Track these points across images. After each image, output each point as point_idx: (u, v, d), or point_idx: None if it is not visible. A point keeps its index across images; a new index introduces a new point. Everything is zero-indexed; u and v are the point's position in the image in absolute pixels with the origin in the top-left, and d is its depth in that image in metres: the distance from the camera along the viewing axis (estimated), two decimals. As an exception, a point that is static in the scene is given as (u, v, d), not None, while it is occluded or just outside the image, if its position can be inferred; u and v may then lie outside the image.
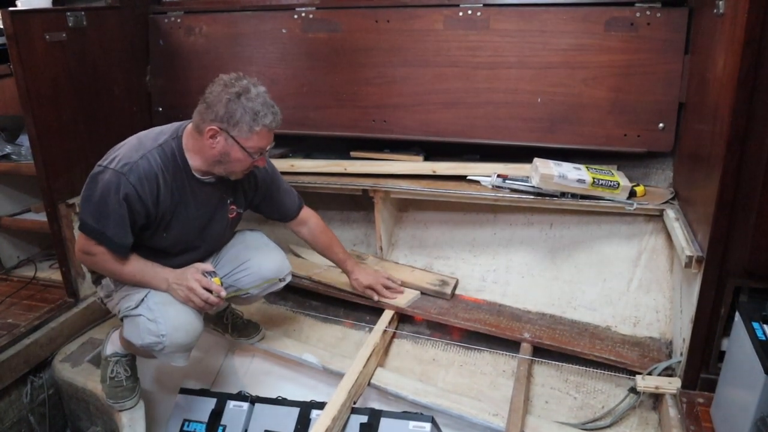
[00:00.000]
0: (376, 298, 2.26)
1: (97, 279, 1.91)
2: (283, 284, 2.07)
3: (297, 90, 2.51)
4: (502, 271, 2.39)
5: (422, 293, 2.36)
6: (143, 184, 1.66)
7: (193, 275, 1.78)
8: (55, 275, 2.50)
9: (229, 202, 1.92)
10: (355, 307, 2.40)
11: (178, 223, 1.80)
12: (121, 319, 1.86)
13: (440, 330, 2.29)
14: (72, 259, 2.37)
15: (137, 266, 1.77)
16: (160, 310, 1.75)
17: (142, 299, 1.78)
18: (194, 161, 1.75)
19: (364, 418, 1.88)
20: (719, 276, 1.65)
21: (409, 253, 2.56)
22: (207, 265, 1.86)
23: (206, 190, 1.82)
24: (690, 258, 1.67)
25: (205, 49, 2.62)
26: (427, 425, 1.83)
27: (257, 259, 2.01)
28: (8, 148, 2.54)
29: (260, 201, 2.04)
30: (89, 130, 2.40)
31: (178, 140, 1.75)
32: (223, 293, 1.81)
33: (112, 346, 1.98)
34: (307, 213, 2.16)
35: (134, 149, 1.69)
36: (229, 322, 2.27)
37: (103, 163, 1.69)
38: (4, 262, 2.68)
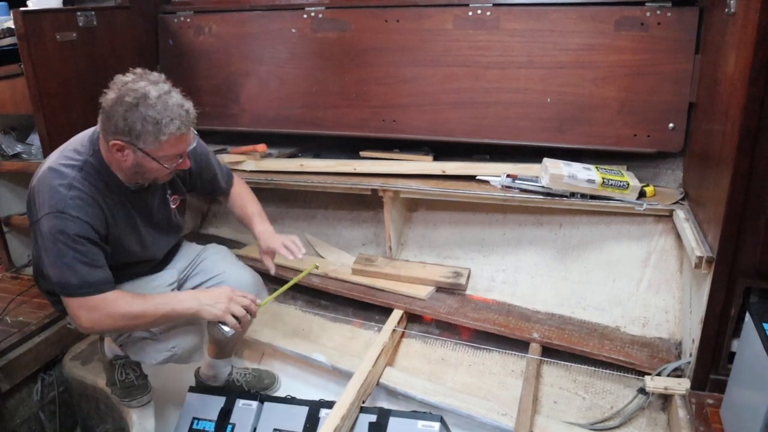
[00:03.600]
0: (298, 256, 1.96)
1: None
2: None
3: (306, 89, 2.52)
4: (512, 271, 2.38)
5: (437, 289, 2.37)
6: (86, 211, 1.53)
7: (227, 294, 1.68)
8: (66, 273, 2.51)
9: (168, 194, 1.83)
10: (364, 306, 2.41)
11: (131, 237, 1.70)
12: (120, 345, 1.82)
13: (449, 330, 2.29)
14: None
15: (156, 298, 1.64)
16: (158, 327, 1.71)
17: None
18: (118, 174, 1.61)
19: (373, 417, 1.89)
20: (729, 277, 1.64)
21: (419, 253, 2.56)
22: (240, 292, 1.74)
23: (144, 196, 1.72)
24: (700, 259, 1.67)
25: (214, 49, 2.63)
26: (436, 425, 1.83)
27: (233, 272, 1.95)
28: (19, 147, 2.56)
29: (196, 183, 1.93)
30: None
31: (96, 155, 1.59)
32: (259, 301, 1.74)
33: (112, 350, 1.95)
34: (236, 184, 2.05)
35: (54, 185, 1.52)
36: (241, 382, 2.16)
37: (34, 218, 1.55)
38: (15, 261, 2.69)
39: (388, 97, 2.41)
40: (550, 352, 2.08)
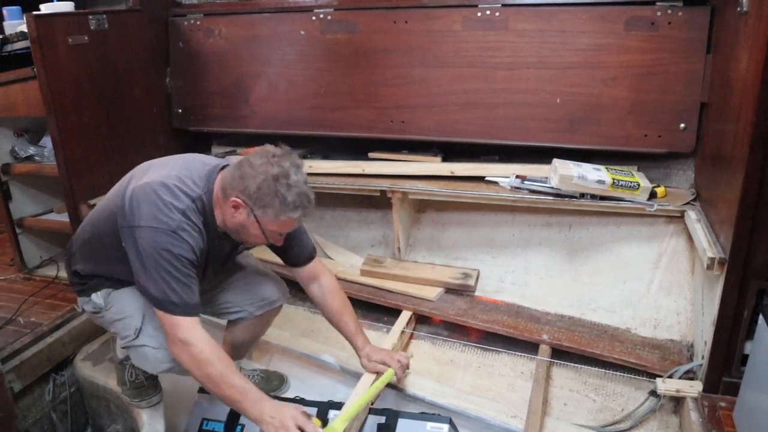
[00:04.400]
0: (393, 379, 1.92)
1: (83, 289, 1.81)
2: None
3: (315, 91, 2.52)
4: (521, 273, 2.37)
5: (446, 290, 2.37)
6: (194, 238, 1.55)
7: (292, 415, 1.56)
8: (77, 275, 2.53)
9: (240, 247, 1.89)
10: (373, 308, 2.41)
11: (202, 274, 1.71)
12: (123, 348, 1.82)
13: (458, 331, 2.28)
14: (93, 258, 2.40)
15: (241, 381, 1.58)
16: (163, 336, 1.66)
17: (140, 328, 1.73)
18: (217, 218, 1.64)
19: (382, 419, 1.88)
20: (742, 278, 1.62)
21: (427, 254, 2.56)
22: (305, 409, 1.64)
23: (223, 242, 1.74)
24: (712, 260, 1.65)
25: (224, 51, 2.64)
26: (445, 426, 1.82)
27: (260, 284, 1.99)
28: (32, 150, 2.58)
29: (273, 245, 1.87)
30: (110, 131, 2.44)
31: (208, 195, 1.61)
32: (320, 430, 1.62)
33: (123, 351, 1.93)
34: (320, 266, 1.95)
35: (168, 203, 1.52)
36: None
37: (128, 222, 1.54)
38: (27, 262, 2.72)
39: (397, 98, 2.41)
40: (559, 353, 2.07)
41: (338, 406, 1.96)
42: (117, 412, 2.17)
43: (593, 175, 2.08)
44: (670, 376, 1.86)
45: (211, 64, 2.68)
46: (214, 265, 1.78)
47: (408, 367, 1.95)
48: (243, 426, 2.00)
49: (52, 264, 2.74)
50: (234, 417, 2.02)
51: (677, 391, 1.80)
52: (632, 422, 1.87)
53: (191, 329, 1.55)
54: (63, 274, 2.64)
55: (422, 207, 2.63)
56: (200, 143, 2.91)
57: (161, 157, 2.61)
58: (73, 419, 2.29)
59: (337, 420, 1.67)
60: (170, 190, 1.54)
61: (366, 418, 1.89)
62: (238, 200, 1.53)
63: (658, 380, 1.83)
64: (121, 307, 1.76)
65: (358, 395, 1.86)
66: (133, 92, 2.54)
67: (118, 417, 2.18)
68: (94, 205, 2.35)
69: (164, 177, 1.57)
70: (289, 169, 1.52)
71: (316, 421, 1.59)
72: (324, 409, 1.99)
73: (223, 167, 1.65)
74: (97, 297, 1.78)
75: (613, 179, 2.07)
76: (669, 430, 1.84)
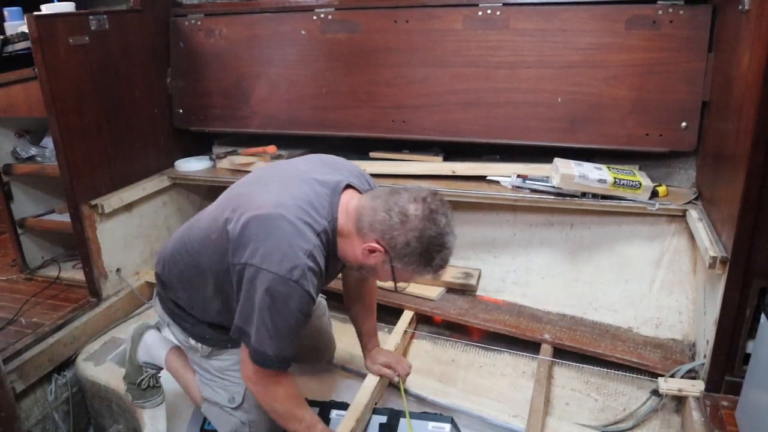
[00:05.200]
0: (395, 379, 1.94)
1: (184, 328, 1.70)
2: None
3: (316, 91, 2.52)
4: (522, 272, 2.37)
5: (448, 289, 2.36)
6: (314, 286, 1.39)
7: None
8: (79, 275, 2.53)
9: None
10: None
11: None
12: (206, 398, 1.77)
13: (460, 331, 2.28)
14: (95, 259, 2.40)
15: (309, 414, 1.58)
16: (256, 414, 1.68)
17: (241, 403, 1.68)
18: (340, 248, 1.49)
19: (384, 419, 1.88)
20: (744, 277, 1.62)
21: (428, 254, 2.56)
22: None
23: (338, 264, 1.60)
24: (714, 259, 1.65)
25: (225, 51, 2.64)
26: (447, 426, 1.82)
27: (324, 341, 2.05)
28: (33, 150, 2.58)
29: None
30: (111, 131, 2.43)
31: (333, 223, 1.45)
32: None
33: (150, 356, 1.92)
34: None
35: (292, 244, 1.35)
36: None
37: (240, 258, 1.38)
38: (29, 262, 2.72)
39: (398, 98, 2.41)
40: (561, 353, 2.07)
41: (340, 405, 1.96)
42: (119, 412, 2.17)
43: (595, 174, 2.08)
44: (672, 376, 1.86)
45: (211, 64, 2.68)
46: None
47: (409, 374, 1.96)
48: (245, 426, 2.01)
49: (54, 264, 2.75)
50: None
51: (679, 390, 1.79)
52: (634, 422, 1.87)
53: (276, 379, 1.49)
54: (64, 274, 2.66)
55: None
56: (201, 143, 2.91)
57: (161, 159, 2.62)
58: (75, 419, 2.29)
59: None
60: (294, 226, 1.37)
61: (369, 418, 1.90)
62: (379, 247, 1.40)
63: (660, 380, 1.83)
64: (228, 366, 1.70)
65: (363, 398, 1.86)
66: (134, 93, 2.53)
67: (120, 417, 2.18)
68: (95, 205, 2.36)
69: (283, 206, 1.39)
70: (445, 228, 1.38)
71: None
72: (326, 409, 2.00)
73: (345, 187, 1.50)
74: (198, 344, 1.69)
75: (615, 178, 2.07)
76: (671, 429, 1.84)
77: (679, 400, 1.88)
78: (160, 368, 1.94)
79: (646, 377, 1.95)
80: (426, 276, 1.45)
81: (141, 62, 2.56)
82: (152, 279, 2.60)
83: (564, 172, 2.07)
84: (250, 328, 1.41)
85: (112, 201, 2.42)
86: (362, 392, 1.87)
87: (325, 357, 2.13)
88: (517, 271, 2.39)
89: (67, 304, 2.42)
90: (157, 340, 1.96)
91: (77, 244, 2.38)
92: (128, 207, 2.55)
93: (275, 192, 1.45)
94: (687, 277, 2.11)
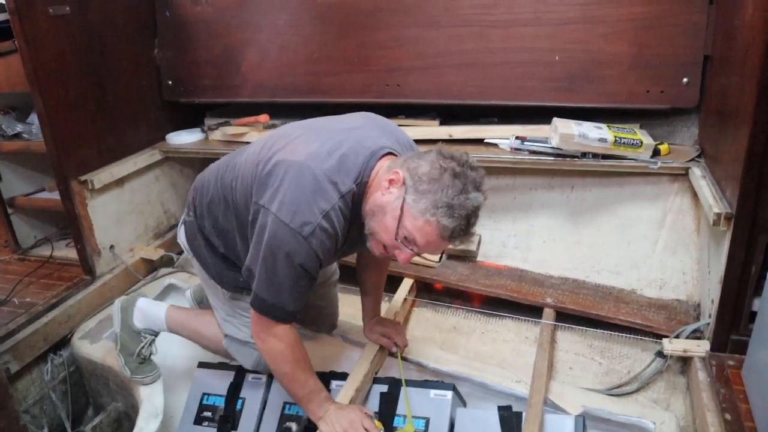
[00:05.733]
0: (393, 349, 1.92)
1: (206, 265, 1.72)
2: None
3: (308, 57, 2.45)
4: (523, 236, 2.33)
5: (448, 256, 2.33)
6: (323, 248, 1.36)
7: (360, 418, 1.55)
8: (72, 253, 2.48)
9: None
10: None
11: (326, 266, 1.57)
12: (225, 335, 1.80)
13: (461, 297, 2.25)
14: (87, 236, 2.36)
15: (312, 381, 1.57)
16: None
17: None
18: (365, 206, 1.42)
19: (385, 388, 1.85)
20: (749, 233, 1.58)
21: (427, 222, 2.51)
22: (368, 410, 1.64)
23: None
24: (718, 215, 1.60)
25: (212, 19, 2.56)
26: (449, 393, 1.79)
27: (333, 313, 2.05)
28: (19, 127, 2.52)
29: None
30: (98, 105, 2.37)
31: (361, 186, 1.39)
32: None
33: (147, 321, 1.93)
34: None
35: (310, 198, 1.32)
36: None
37: (262, 201, 1.37)
38: (21, 243, 2.68)
39: (391, 61, 2.34)
40: (564, 317, 2.04)
41: (340, 376, 1.93)
42: (116, 390, 2.15)
43: (595, 133, 2.02)
44: (677, 336, 1.83)
45: (199, 33, 2.59)
46: (345, 250, 1.59)
47: (407, 344, 1.93)
48: (244, 399, 1.98)
49: (47, 244, 2.71)
50: (235, 390, 2.00)
51: (684, 351, 1.76)
52: (639, 384, 1.85)
53: (282, 332, 1.48)
54: (58, 253, 2.61)
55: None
56: (192, 115, 2.84)
57: (152, 132, 2.55)
58: (74, 399, 2.27)
59: (408, 425, 1.70)
60: (318, 182, 1.33)
61: (370, 388, 1.87)
62: (400, 174, 1.32)
63: (665, 341, 1.79)
64: (243, 315, 1.72)
65: (363, 367, 1.83)
66: (120, 64, 2.46)
67: (117, 395, 2.16)
68: (84, 181, 2.31)
69: (313, 160, 1.35)
70: (476, 181, 1.29)
71: (378, 424, 1.59)
72: (326, 380, 1.97)
73: (386, 154, 1.44)
74: (230, 279, 1.69)
75: (615, 137, 2.01)
76: (676, 390, 1.82)
77: (684, 361, 1.85)
78: (157, 333, 1.95)
79: (651, 339, 1.92)
80: (439, 225, 1.27)
81: (127, 33, 2.48)
82: (147, 255, 2.59)
83: (563, 131, 2.02)
84: (255, 270, 1.42)
85: (102, 176, 2.37)
86: (361, 362, 1.85)
87: (326, 325, 2.10)
88: (518, 235, 2.34)
89: (60, 282, 2.38)
90: (152, 303, 1.97)
91: (68, 222, 2.34)
92: (119, 182, 2.50)
93: (314, 142, 1.40)
94: (691, 236, 2.07)
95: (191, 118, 2.82)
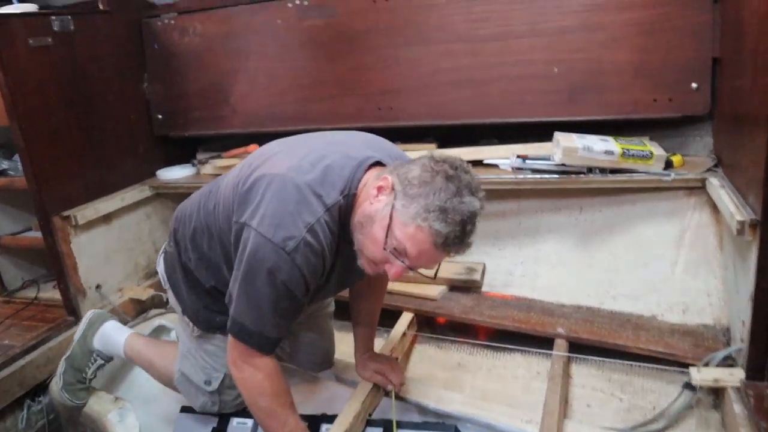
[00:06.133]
0: (389, 387, 1.75)
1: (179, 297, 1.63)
2: None
3: (296, 82, 2.36)
4: (531, 263, 2.16)
5: (450, 287, 2.16)
6: (309, 265, 1.23)
7: None
8: (58, 295, 2.36)
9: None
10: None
11: (313, 292, 1.38)
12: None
13: (466, 332, 2.07)
14: (70, 275, 2.24)
15: (293, 420, 1.41)
16: (229, 401, 1.69)
17: (216, 389, 1.66)
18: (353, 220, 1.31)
19: (379, 430, 1.67)
20: (780, 239, 1.40)
21: (428, 251, 2.35)
22: None
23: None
24: (742, 223, 1.43)
25: (201, 49, 2.50)
26: (450, 435, 1.61)
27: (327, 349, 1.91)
28: (5, 164, 2.45)
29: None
30: (83, 139, 2.30)
31: (349, 198, 1.28)
32: None
33: (105, 344, 1.88)
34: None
35: (293, 210, 1.21)
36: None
37: (240, 217, 1.27)
38: (8, 284, 2.57)
39: (383, 83, 2.24)
40: (578, 348, 1.84)
41: (331, 419, 1.74)
42: None
43: (600, 146, 1.87)
44: (706, 365, 1.63)
45: (188, 64, 2.54)
46: (339, 276, 1.45)
47: (403, 383, 1.76)
48: (228, 444, 1.81)
49: (35, 285, 2.59)
50: (218, 433, 1.83)
51: (715, 380, 1.55)
52: (666, 421, 1.63)
53: (261, 362, 1.35)
54: (44, 294, 2.50)
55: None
56: (185, 149, 2.76)
57: (141, 168, 2.47)
58: (52, 450, 2.11)
59: None
60: (302, 193, 1.23)
61: (363, 430, 1.69)
62: (389, 180, 1.21)
63: (692, 370, 1.58)
64: (213, 351, 1.64)
65: (354, 407, 1.66)
66: (106, 97, 2.40)
67: (96, 443, 1.99)
68: (67, 216, 2.21)
69: (296, 171, 1.26)
70: (475, 192, 1.18)
71: None
72: (316, 424, 1.79)
73: (374, 164, 1.33)
74: (194, 326, 1.63)
75: (623, 149, 1.86)
76: (710, 428, 1.60)
77: (717, 393, 1.64)
78: (110, 359, 1.89)
79: (676, 370, 1.72)
80: (431, 232, 1.14)
81: (113, 66, 2.43)
82: (137, 295, 2.47)
83: (566, 145, 1.87)
84: (236, 293, 1.30)
85: (86, 212, 2.27)
86: (352, 402, 1.67)
87: (320, 361, 1.93)
88: (525, 262, 2.17)
89: (43, 324, 2.25)
90: (118, 328, 1.92)
91: (49, 259, 2.23)
92: (106, 219, 2.40)
93: (296, 156, 1.32)
94: (713, 254, 1.87)
95: (184, 153, 2.74)
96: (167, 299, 2.34)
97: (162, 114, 2.62)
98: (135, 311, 2.46)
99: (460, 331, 2.07)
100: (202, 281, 1.55)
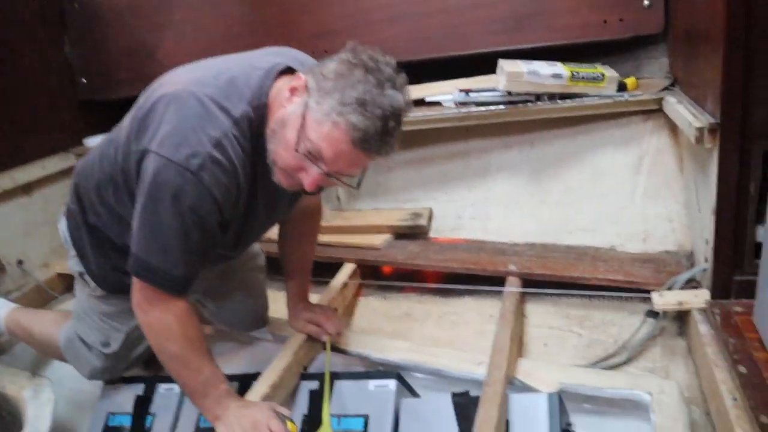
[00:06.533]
0: (323, 338, 1.55)
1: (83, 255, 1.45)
2: None
3: (227, 31, 2.19)
4: (481, 205, 2.01)
5: (395, 236, 2.00)
6: (219, 185, 1.09)
7: (267, 417, 1.20)
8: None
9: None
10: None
11: (234, 228, 1.26)
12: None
13: (412, 281, 1.90)
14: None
15: (209, 369, 1.23)
16: (121, 366, 1.60)
17: (116, 350, 1.53)
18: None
19: (314, 384, 1.49)
20: (741, 142, 1.27)
21: (373, 202, 2.20)
22: (282, 408, 1.26)
23: None
24: (700, 130, 1.29)
25: (124, 6, 2.33)
26: (392, 383, 1.42)
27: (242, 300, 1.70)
28: None
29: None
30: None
31: (260, 109, 1.13)
32: None
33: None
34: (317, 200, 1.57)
35: (195, 126, 1.07)
36: None
37: (138, 144, 1.11)
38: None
39: (316, 25, 2.07)
40: (533, 286, 1.69)
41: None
42: (11, 421, 1.76)
43: (547, 69, 1.73)
44: (669, 289, 1.48)
45: (111, 23, 2.35)
46: (263, 213, 1.31)
47: (340, 331, 1.57)
48: (154, 416, 1.62)
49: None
50: (142, 407, 1.64)
51: (679, 303, 1.42)
52: (629, 353, 1.49)
53: (170, 302, 1.17)
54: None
55: (364, 152, 2.27)
56: (115, 115, 2.55)
57: (66, 135, 2.27)
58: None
59: (323, 427, 1.33)
60: (204, 107, 1.08)
61: (297, 384, 1.51)
62: (303, 79, 1.07)
63: (654, 295, 1.45)
64: (113, 312, 1.50)
65: (284, 360, 1.48)
66: (21, 62, 2.22)
67: (13, 427, 1.78)
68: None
69: (197, 85, 1.11)
70: (399, 89, 1.05)
71: (292, 426, 1.22)
72: (247, 382, 1.61)
73: (283, 71, 1.17)
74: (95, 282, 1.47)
75: (572, 72, 1.73)
76: (676, 355, 1.46)
77: (681, 319, 1.51)
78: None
79: (638, 297, 1.57)
80: (352, 136, 1.01)
81: (28, 28, 2.25)
82: (65, 270, 2.26)
83: (510, 70, 1.72)
84: (137, 229, 1.13)
85: (2, 182, 2.09)
86: (282, 354, 1.49)
87: (251, 320, 1.75)
88: (475, 204, 2.01)
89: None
90: (2, 304, 1.77)
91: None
92: (26, 189, 2.22)
93: (197, 71, 1.18)
94: (674, 177, 1.74)
95: (113, 118, 2.51)
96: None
97: (86, 77, 2.44)
98: (63, 287, 2.26)
99: (406, 280, 1.91)
100: (113, 238, 1.37)
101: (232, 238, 1.29)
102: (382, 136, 1.03)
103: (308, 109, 1.05)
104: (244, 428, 1.18)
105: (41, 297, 2.19)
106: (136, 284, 1.17)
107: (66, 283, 2.28)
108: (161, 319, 1.18)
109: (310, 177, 1.08)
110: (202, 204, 1.08)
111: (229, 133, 1.09)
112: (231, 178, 1.10)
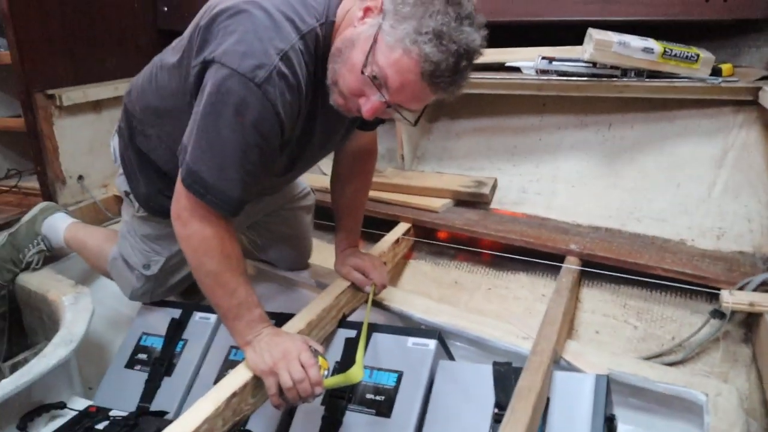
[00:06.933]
0: (367, 288, 1.49)
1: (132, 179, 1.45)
2: None
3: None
4: (547, 181, 1.92)
5: (456, 202, 1.95)
6: (284, 102, 1.04)
7: (298, 349, 1.13)
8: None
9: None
10: (366, 223, 1.96)
11: (289, 154, 1.23)
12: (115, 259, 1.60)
13: (468, 251, 1.84)
14: (50, 159, 2.09)
15: (244, 291, 1.17)
16: (163, 290, 1.60)
17: (155, 273, 1.53)
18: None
19: (352, 333, 1.46)
20: None
21: (437, 166, 2.14)
22: (315, 343, 1.21)
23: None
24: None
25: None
26: (432, 342, 1.38)
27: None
28: (-1, 39, 2.30)
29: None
30: (77, 18, 2.13)
31: (328, 26, 1.09)
32: (319, 390, 1.14)
33: (50, 229, 1.78)
34: (374, 141, 1.51)
35: (262, 36, 1.01)
36: None
37: (201, 52, 1.06)
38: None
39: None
40: (592, 270, 1.61)
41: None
42: (50, 326, 1.79)
43: (638, 42, 1.63)
44: (741, 289, 1.38)
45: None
46: (320, 141, 1.27)
47: (386, 284, 1.51)
48: (185, 341, 1.62)
49: (18, 176, 2.46)
50: (176, 331, 1.64)
51: (751, 304, 1.32)
52: (686, 352, 1.40)
53: (213, 217, 1.11)
54: (27, 183, 2.35)
55: (434, 115, 2.21)
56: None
57: (141, 60, 2.27)
58: (12, 341, 1.95)
59: (355, 367, 1.22)
60: (271, 17, 1.03)
61: (335, 331, 1.48)
62: (376, 2, 1.02)
63: (724, 292, 1.34)
64: (155, 235, 1.50)
65: (324, 301, 1.45)
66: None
67: (50, 332, 1.81)
68: (52, 96, 2.05)
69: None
70: (478, 29, 0.99)
71: (323, 363, 1.16)
72: (282, 321, 1.58)
73: None
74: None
75: (665, 48, 1.62)
76: (737, 363, 1.37)
77: (749, 327, 1.40)
78: (51, 249, 1.82)
79: (703, 299, 1.48)
80: (422, 65, 0.95)
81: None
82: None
83: (599, 37, 1.63)
84: (191, 140, 1.07)
85: (73, 94, 2.11)
86: (323, 295, 1.45)
87: (294, 259, 1.75)
88: (542, 180, 1.93)
89: (16, 209, 2.11)
90: (66, 218, 1.82)
91: (28, 139, 2.07)
92: (96, 107, 2.24)
93: None
94: (759, 176, 1.62)
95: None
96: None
97: (167, 6, 2.44)
98: (118, 208, 2.27)
99: (461, 250, 1.85)
100: (159, 163, 1.37)
101: (284, 162, 1.26)
102: (453, 73, 0.98)
103: (381, 31, 0.99)
104: (273, 357, 1.13)
105: (96, 215, 2.22)
106: (182, 193, 1.11)
107: (120, 206, 2.32)
108: (200, 232, 1.12)
109: (369, 104, 1.04)
110: (266, 120, 1.03)
111: (297, 46, 1.04)
112: (295, 95, 1.06)
